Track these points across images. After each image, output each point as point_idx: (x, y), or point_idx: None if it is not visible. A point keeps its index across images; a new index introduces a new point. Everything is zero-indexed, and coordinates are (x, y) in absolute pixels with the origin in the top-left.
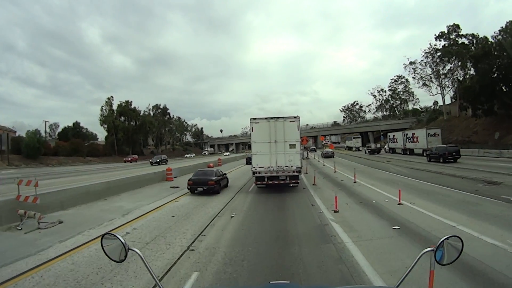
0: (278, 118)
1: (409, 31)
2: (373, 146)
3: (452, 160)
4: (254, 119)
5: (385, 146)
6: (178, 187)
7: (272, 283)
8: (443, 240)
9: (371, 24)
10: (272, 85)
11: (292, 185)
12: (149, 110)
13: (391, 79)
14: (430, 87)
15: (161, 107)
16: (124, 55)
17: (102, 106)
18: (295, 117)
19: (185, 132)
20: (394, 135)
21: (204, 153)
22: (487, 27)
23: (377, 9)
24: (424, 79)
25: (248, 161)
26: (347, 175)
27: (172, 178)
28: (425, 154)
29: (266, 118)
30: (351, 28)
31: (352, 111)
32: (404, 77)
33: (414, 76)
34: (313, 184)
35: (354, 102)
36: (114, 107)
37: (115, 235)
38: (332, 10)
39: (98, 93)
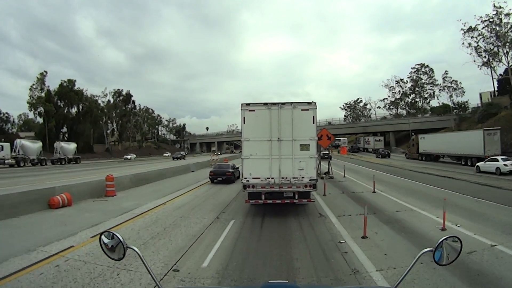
0: (284, 104)
1: (404, 36)
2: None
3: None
4: (248, 104)
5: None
6: None
7: (270, 282)
8: (442, 241)
9: (367, 27)
10: (264, 85)
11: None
12: (105, 95)
13: (412, 68)
14: (493, 66)
15: (124, 93)
16: (118, 50)
17: (33, 84)
18: (309, 103)
19: (156, 127)
20: (358, 139)
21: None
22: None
23: (374, 13)
24: (489, 52)
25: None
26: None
27: None
28: (373, 151)
29: (265, 104)
30: (346, 30)
31: (355, 109)
32: (428, 66)
33: (478, 47)
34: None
35: (358, 99)
36: (54, 86)
37: (113, 233)
38: (328, 12)
39: (90, 87)
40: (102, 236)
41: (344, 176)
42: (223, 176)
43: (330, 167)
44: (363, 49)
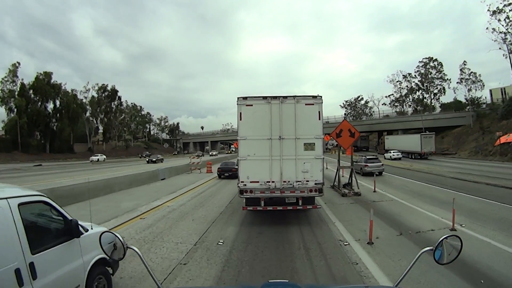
0: (286, 97)
1: (401, 36)
2: None
3: None
4: (245, 98)
5: None
6: None
7: (270, 281)
8: (442, 240)
9: (364, 27)
10: (261, 85)
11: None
12: (87, 90)
13: (420, 62)
14: None
15: (109, 88)
16: (115, 49)
17: (4, 77)
18: (314, 96)
19: (146, 125)
20: None
21: None
22: (481, 35)
23: (371, 12)
24: None
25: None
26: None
27: None
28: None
29: (265, 98)
30: (344, 30)
31: (356, 107)
32: (436, 59)
33: (507, 32)
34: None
35: (359, 97)
36: (29, 79)
37: (113, 233)
38: (325, 12)
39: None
40: (102, 236)
41: (375, 191)
42: (230, 172)
43: (353, 178)
44: (361, 49)
